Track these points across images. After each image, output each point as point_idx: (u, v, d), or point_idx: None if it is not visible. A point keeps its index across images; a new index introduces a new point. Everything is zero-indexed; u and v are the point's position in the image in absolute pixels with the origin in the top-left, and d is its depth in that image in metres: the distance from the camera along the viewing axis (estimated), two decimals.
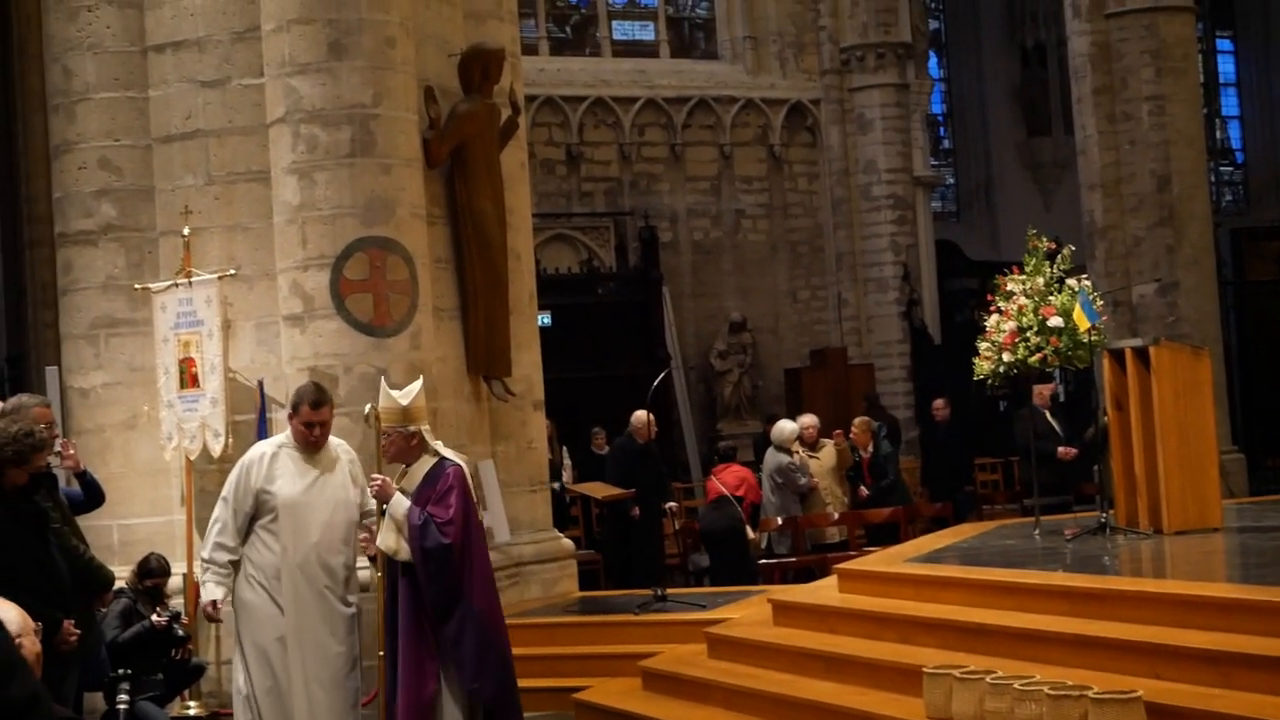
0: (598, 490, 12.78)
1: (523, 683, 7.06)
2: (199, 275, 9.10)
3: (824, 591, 8.95)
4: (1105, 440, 10.06)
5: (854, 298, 21.87)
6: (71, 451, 7.74)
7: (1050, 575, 7.85)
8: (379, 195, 8.93)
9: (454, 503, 6.52)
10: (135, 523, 9.29)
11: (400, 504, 6.56)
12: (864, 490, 13.60)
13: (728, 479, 12.62)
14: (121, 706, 7.31)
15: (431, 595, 6.50)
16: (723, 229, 21.60)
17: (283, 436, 7.10)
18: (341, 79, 8.87)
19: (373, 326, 8.85)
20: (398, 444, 6.69)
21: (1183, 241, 17.53)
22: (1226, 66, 30.58)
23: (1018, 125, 27.34)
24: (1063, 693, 5.73)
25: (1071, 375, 17.39)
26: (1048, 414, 12.88)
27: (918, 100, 22.40)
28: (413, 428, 6.67)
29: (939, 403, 16.12)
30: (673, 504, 13.18)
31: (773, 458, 12.98)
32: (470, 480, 6.72)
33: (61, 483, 7.45)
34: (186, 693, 8.57)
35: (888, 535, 12.74)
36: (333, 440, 7.07)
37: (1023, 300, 9.42)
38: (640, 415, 12.41)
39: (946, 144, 27.80)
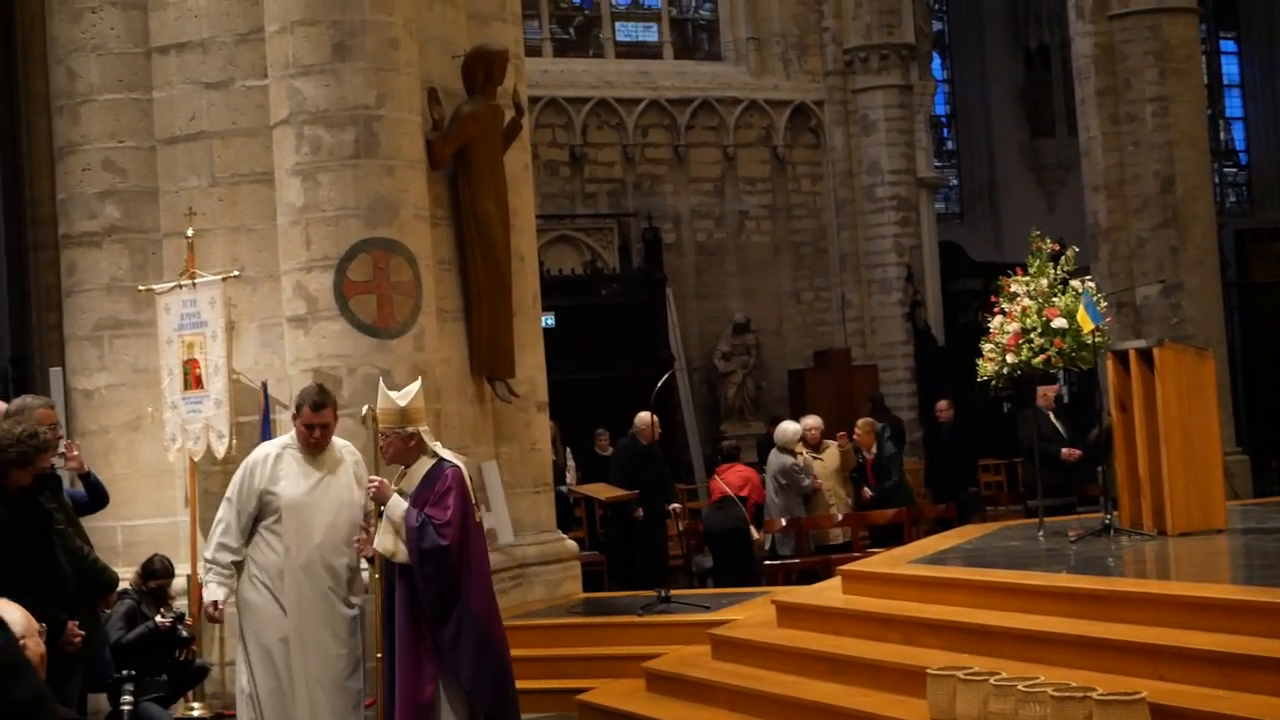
0: (601, 491, 12.75)
1: (526, 684, 7.05)
2: (203, 277, 9.10)
3: (828, 593, 8.95)
4: (1109, 442, 10.04)
5: (857, 299, 21.86)
6: (76, 453, 7.75)
7: (1054, 577, 7.84)
8: (383, 197, 8.93)
9: (452, 504, 6.47)
10: (139, 524, 9.29)
11: (398, 505, 6.52)
12: (867, 492, 13.57)
13: (731, 479, 12.61)
14: (126, 708, 7.32)
15: (429, 597, 6.44)
16: (726, 230, 21.59)
17: (287, 438, 7.09)
18: (345, 80, 8.88)
19: (376, 328, 8.85)
20: (396, 445, 6.66)
21: (1186, 243, 17.51)
22: (1230, 68, 30.56)
23: (1021, 126, 27.34)
24: (1067, 694, 5.72)
25: (1075, 376, 17.44)
26: (1051, 415, 12.88)
27: (921, 101, 22.38)
28: (411, 429, 6.63)
29: (943, 404, 16.13)
30: (676, 505, 13.17)
31: (776, 459, 12.95)
32: (469, 482, 6.68)
33: (66, 484, 7.45)
34: (190, 694, 8.57)
35: (891, 537, 12.70)
36: (338, 441, 7.06)
37: (1026, 301, 9.43)
38: (644, 416, 12.40)
39: (950, 145, 27.81)
